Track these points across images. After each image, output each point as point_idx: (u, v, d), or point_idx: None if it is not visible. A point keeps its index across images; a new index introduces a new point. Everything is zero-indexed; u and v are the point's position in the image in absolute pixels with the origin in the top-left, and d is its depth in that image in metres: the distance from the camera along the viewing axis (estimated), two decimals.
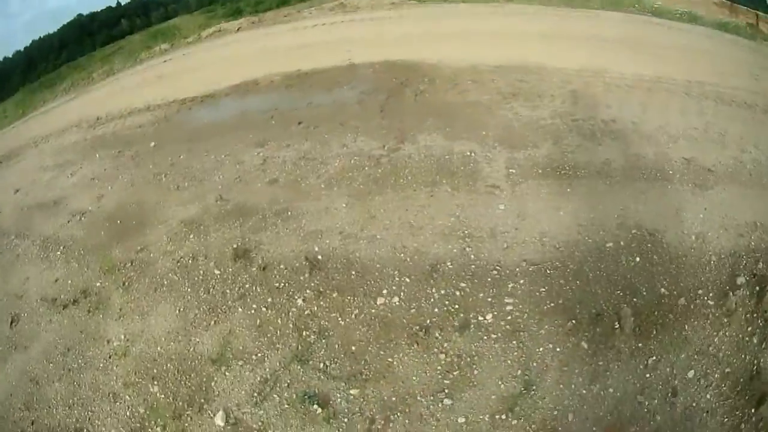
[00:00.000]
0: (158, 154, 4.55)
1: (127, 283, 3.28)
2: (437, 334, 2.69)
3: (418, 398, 2.52)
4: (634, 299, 3.05)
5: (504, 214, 3.39)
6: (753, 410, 2.72)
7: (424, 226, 3.19)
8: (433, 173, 3.59)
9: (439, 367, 2.61)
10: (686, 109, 5.46)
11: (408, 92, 4.77)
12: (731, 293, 3.18)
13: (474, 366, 2.61)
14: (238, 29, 11.36)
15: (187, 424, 2.59)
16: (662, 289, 3.15)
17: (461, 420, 2.48)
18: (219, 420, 2.57)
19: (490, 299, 2.83)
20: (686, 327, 2.96)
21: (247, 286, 3.01)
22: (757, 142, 5.19)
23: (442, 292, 2.86)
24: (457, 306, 2.80)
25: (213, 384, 2.68)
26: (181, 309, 3.01)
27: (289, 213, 3.35)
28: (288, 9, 13.75)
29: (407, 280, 2.90)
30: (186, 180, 3.97)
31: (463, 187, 3.47)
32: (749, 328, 3.05)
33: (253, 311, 2.89)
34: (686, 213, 3.70)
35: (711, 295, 3.19)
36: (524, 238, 3.23)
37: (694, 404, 2.66)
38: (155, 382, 2.74)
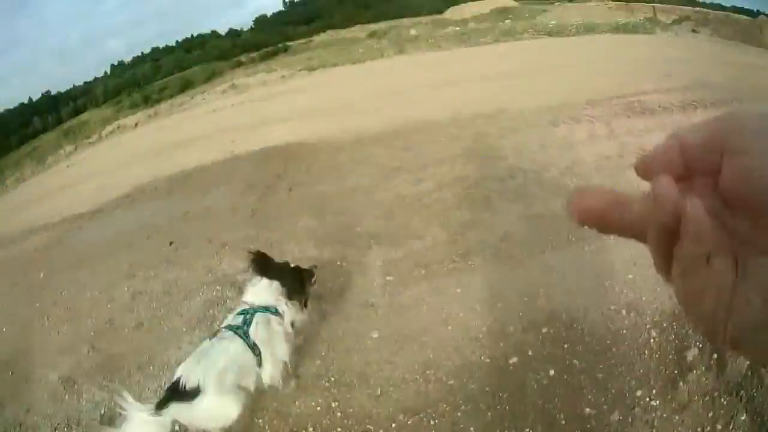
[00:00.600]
0: (46, 288, 4.35)
1: None
2: None
3: None
4: None
5: (378, 344, 2.73)
6: None
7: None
8: None
9: None
10: (594, 135, 5.04)
11: (283, 186, 4.54)
12: (681, 381, 2.45)
13: None
14: (135, 125, 11.71)
15: None
16: (587, 409, 2.35)
17: None
18: None
19: None
20: None
21: None
22: None
23: None
24: None
25: None
26: None
27: (152, 367, 3.08)
28: (184, 96, 14.58)
29: None
30: (65, 323, 3.71)
31: (332, 313, 2.98)
32: (710, 414, 2.38)
33: None
34: (611, 279, 2.98)
35: (655, 392, 2.41)
36: (402, 376, 2.52)
37: None
38: None
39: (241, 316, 2.23)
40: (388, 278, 3.12)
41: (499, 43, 13.73)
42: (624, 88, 6.73)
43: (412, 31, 31.00)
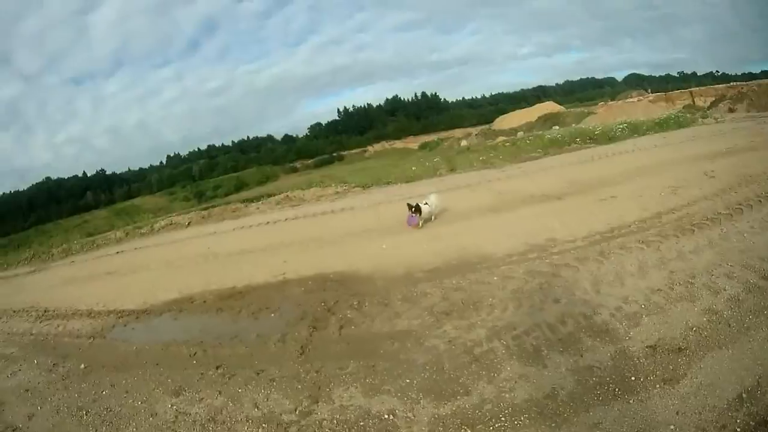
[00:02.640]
0: (86, 381, 4.46)
1: None
2: None
3: None
4: None
5: None
6: None
7: None
8: None
9: None
10: (645, 264, 5.00)
11: (333, 322, 4.66)
12: None
13: None
14: (188, 224, 12.20)
15: None
16: None
17: None
18: None
19: None
20: None
21: None
22: (730, 264, 4.73)
23: None
24: None
25: None
26: None
27: None
28: (237, 201, 14.91)
29: None
30: (104, 425, 3.76)
31: None
32: None
33: None
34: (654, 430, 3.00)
35: None
36: None
37: None
38: None
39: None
40: None
41: (548, 156, 14.19)
42: (671, 201, 6.89)
43: (463, 143, 32.11)
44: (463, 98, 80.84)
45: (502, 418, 3.12)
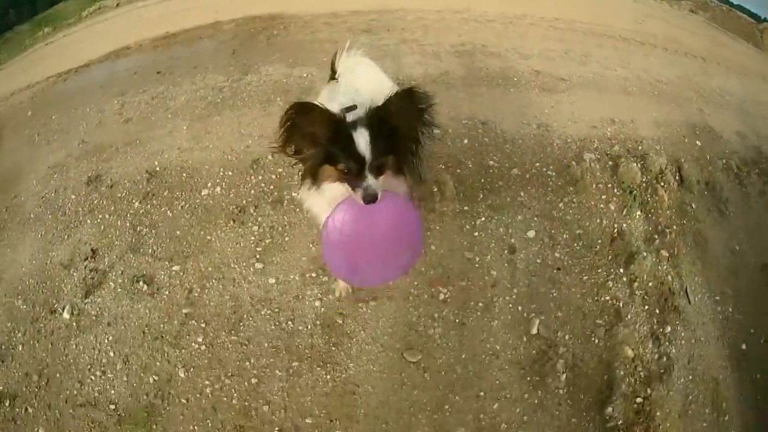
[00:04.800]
0: (33, 120, 4.77)
1: (1, 226, 3.53)
2: (252, 211, 2.97)
3: (232, 266, 2.79)
4: (458, 170, 3.12)
5: None
6: (621, 269, 2.82)
7: (252, 133, 3.47)
8: (269, 93, 3.83)
9: (252, 238, 2.88)
10: (547, 36, 5.46)
11: (261, 37, 5.07)
12: (575, 164, 3.24)
13: (285, 234, 2.88)
14: (117, 4, 11.35)
15: (42, 325, 2.82)
16: (491, 161, 3.21)
17: (272, 281, 2.74)
18: (66, 314, 2.82)
19: None
20: (521, 193, 3.04)
21: (95, 202, 3.29)
22: (626, 63, 5.10)
23: (260, 177, 3.13)
24: (272, 187, 3.07)
25: (63, 285, 2.94)
26: (42, 233, 3.27)
27: (137, 141, 3.64)
28: None
29: (230, 173, 3.19)
30: (55, 134, 4.21)
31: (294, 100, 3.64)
32: (603, 197, 3.14)
33: (98, 220, 3.17)
34: (528, 109, 3.76)
35: (551, 167, 3.22)
36: None
37: (539, 260, 2.78)
38: (19, 297, 2.97)
39: None
40: None
41: None
42: (594, 17, 6.64)
43: None
44: None
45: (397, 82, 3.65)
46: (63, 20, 12.03)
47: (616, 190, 3.19)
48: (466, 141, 3.40)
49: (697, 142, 3.86)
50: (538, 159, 3.30)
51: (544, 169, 3.22)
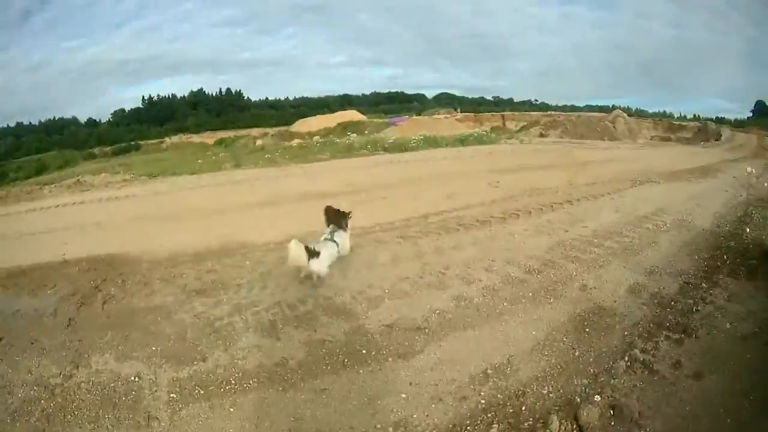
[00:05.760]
0: None
1: None
2: None
3: None
4: None
5: None
6: None
7: None
8: (97, 406, 3.38)
9: None
10: (398, 256, 5.45)
11: (99, 298, 4.87)
12: None
13: None
14: None
15: None
16: None
17: None
18: None
19: None
20: None
21: None
22: (492, 259, 5.17)
23: None
24: None
25: None
26: None
27: None
28: (31, 185, 14.95)
29: None
30: None
31: (125, 420, 3.23)
32: None
33: None
34: (382, 401, 3.25)
35: None
36: None
37: None
38: None
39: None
40: (171, 395, 3.41)
41: (336, 159, 15.50)
42: (443, 205, 7.59)
43: (259, 142, 31.95)
44: (267, 98, 79.25)
45: (233, 381, 3.50)
46: None
47: None
48: None
49: None
50: None
51: None
